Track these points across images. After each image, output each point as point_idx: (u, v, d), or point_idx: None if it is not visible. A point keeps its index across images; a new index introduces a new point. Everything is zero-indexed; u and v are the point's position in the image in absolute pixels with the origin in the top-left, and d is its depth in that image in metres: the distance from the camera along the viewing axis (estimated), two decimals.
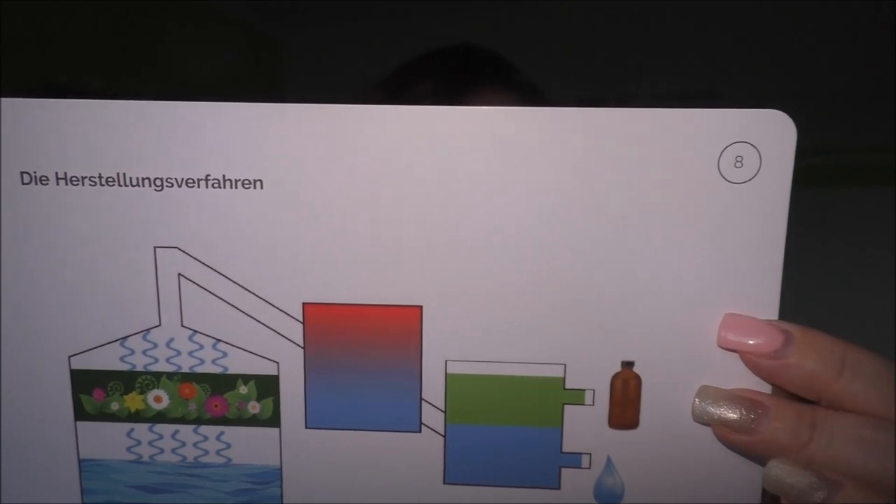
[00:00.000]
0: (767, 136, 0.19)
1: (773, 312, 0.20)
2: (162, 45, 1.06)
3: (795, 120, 0.19)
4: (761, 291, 0.20)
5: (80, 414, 0.22)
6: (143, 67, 1.03)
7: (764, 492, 0.20)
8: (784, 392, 0.19)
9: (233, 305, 0.21)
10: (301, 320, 0.21)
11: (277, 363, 0.21)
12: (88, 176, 0.20)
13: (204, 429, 0.22)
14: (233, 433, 0.22)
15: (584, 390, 0.21)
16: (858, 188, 1.23)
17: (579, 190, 0.20)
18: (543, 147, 0.19)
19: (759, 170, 0.19)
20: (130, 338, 0.21)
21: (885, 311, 1.17)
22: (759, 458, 0.20)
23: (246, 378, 0.21)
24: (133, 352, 0.21)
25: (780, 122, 0.19)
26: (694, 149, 0.19)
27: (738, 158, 0.19)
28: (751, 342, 0.19)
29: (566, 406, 0.21)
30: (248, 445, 0.22)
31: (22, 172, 0.20)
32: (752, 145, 0.19)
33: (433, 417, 0.21)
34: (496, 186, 0.20)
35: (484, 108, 0.19)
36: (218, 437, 0.22)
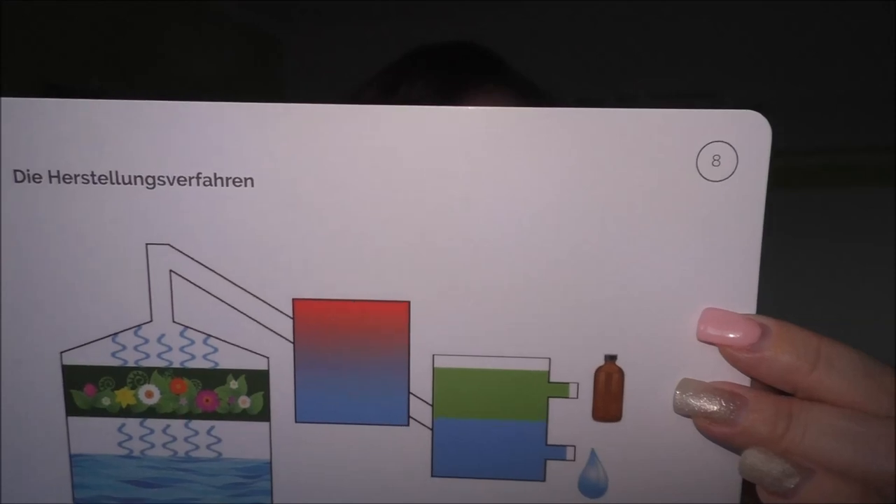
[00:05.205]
0: (743, 136, 0.19)
1: (751, 307, 0.20)
2: (162, 45, 1.06)
3: (770, 120, 0.19)
4: (739, 286, 0.20)
5: (72, 409, 0.22)
6: (143, 67, 1.03)
7: (743, 481, 0.21)
8: (763, 384, 0.20)
9: (223, 301, 0.21)
10: (291, 316, 0.21)
11: (268, 358, 0.21)
12: (81, 174, 0.20)
13: (195, 423, 0.22)
14: (223, 427, 0.22)
15: (568, 384, 0.21)
16: (833, 187, 1.26)
17: (562, 189, 0.20)
18: (526, 147, 0.20)
19: (735, 168, 0.20)
20: (122, 333, 0.21)
21: (861, 305, 1.19)
22: (739, 448, 0.20)
23: (236, 373, 0.22)
24: (124, 347, 0.21)
25: (756, 122, 0.19)
26: (673, 148, 0.20)
27: (716, 157, 0.20)
28: (729, 336, 0.20)
29: (551, 399, 0.21)
30: (238, 440, 0.22)
31: (15, 171, 0.20)
32: (728, 144, 0.19)
33: (421, 411, 0.22)
34: (481, 185, 0.20)
35: (468, 108, 0.20)
36: (209, 432, 0.22)
